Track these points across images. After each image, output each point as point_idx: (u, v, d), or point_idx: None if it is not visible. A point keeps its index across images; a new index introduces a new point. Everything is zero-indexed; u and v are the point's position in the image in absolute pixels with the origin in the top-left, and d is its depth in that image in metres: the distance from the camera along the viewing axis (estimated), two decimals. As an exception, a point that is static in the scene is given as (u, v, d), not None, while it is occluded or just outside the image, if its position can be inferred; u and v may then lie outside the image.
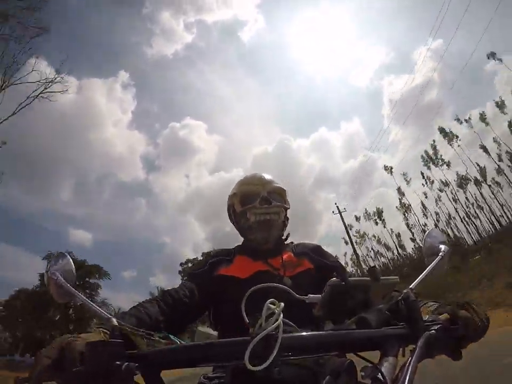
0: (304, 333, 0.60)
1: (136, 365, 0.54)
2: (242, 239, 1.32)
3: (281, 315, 0.56)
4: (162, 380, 0.60)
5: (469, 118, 35.48)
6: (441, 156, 37.12)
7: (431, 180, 38.46)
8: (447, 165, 36.60)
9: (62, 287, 0.78)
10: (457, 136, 35.62)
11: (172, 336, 0.65)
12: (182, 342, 0.66)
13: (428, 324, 0.64)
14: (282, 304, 0.58)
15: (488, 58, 31.53)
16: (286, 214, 1.31)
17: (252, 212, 1.21)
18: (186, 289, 1.08)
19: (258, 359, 0.51)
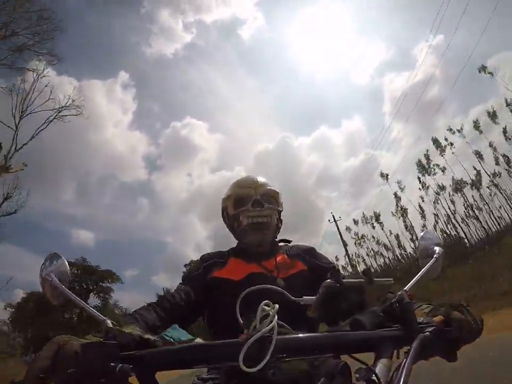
0: (298, 335, 0.60)
1: (131, 366, 0.54)
2: (236, 241, 1.32)
3: (276, 317, 0.56)
4: (157, 381, 0.60)
5: (461, 128, 35.92)
6: (433, 165, 37.55)
7: (426, 186, 38.76)
8: (442, 171, 36.98)
9: (57, 289, 0.77)
10: (451, 143, 35.93)
11: (166, 337, 0.65)
12: (177, 342, 0.66)
13: (422, 325, 0.64)
14: (276, 305, 0.58)
15: (479, 72, 31.87)
16: (279, 217, 1.31)
17: (244, 215, 1.22)
18: (182, 292, 1.09)
19: (252, 360, 0.51)
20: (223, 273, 1.15)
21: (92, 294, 26.24)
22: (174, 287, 1.18)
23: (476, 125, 33.97)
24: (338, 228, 26.26)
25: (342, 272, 0.75)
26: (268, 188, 1.28)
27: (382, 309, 0.64)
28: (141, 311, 0.96)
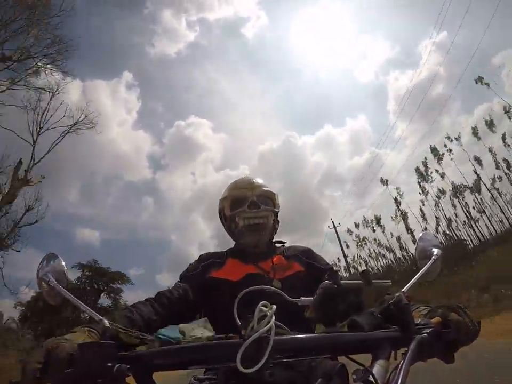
0: (296, 336, 0.60)
1: (128, 366, 0.54)
2: (234, 242, 1.32)
3: (273, 317, 0.56)
4: (154, 381, 0.60)
5: (459, 136, 36.29)
6: (431, 172, 37.94)
7: (426, 191, 39.06)
8: (441, 177, 37.28)
9: (54, 289, 0.77)
10: (450, 150, 36.23)
11: (164, 337, 0.65)
12: (175, 342, 0.66)
13: (420, 327, 0.64)
14: (274, 306, 0.58)
15: (476, 83, 32.17)
16: (276, 218, 1.31)
17: (240, 216, 1.23)
18: (180, 290, 1.10)
19: (250, 361, 0.51)
20: (221, 273, 1.15)
21: (103, 294, 27.41)
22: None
23: (475, 132, 34.22)
24: (337, 234, 26.88)
25: (340, 274, 0.75)
26: (264, 189, 1.28)
27: (380, 310, 0.64)
28: (138, 305, 0.96)
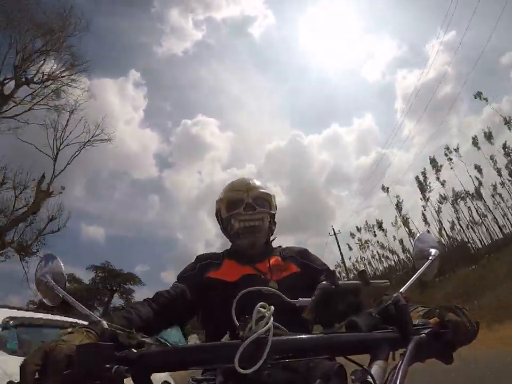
0: (294, 336, 0.60)
1: (126, 367, 0.54)
2: (230, 243, 1.32)
3: (272, 318, 0.56)
4: (152, 382, 0.60)
5: (457, 148, 36.74)
6: (429, 183, 38.54)
7: (427, 197, 39.46)
8: (442, 184, 37.72)
9: (53, 290, 0.77)
10: (450, 159, 36.64)
11: (162, 338, 0.65)
12: (173, 343, 0.66)
13: (418, 327, 0.64)
14: (272, 307, 0.58)
15: (475, 98, 32.61)
16: (273, 219, 1.32)
17: (236, 219, 1.23)
18: (178, 290, 1.10)
19: (248, 362, 0.51)
20: (218, 274, 1.16)
21: (116, 294, 29.38)
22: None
23: (475, 142, 34.55)
24: (337, 242, 27.70)
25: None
26: (261, 190, 1.28)
27: (378, 310, 0.64)
28: (137, 306, 0.97)
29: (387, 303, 0.64)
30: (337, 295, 0.65)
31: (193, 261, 1.26)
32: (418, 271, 0.81)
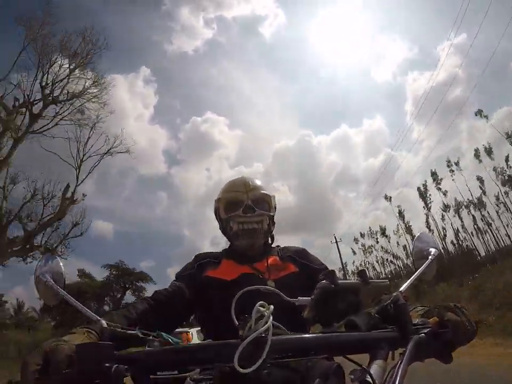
0: (293, 336, 0.60)
1: (126, 367, 0.54)
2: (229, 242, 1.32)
3: (271, 317, 0.56)
4: (152, 381, 0.60)
5: (458, 161, 37.24)
6: (430, 195, 39.05)
7: (429, 207, 39.99)
8: (444, 194, 38.25)
9: (52, 289, 0.77)
10: (452, 171, 37.13)
11: (164, 335, 0.65)
12: (175, 340, 0.66)
13: (417, 327, 0.64)
14: (271, 306, 0.58)
15: (476, 115, 32.97)
16: (272, 220, 1.31)
17: (235, 221, 1.22)
18: (176, 289, 1.10)
19: (247, 361, 0.51)
20: (216, 273, 1.15)
21: (128, 292, 31.56)
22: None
23: (476, 154, 34.91)
24: (338, 250, 29.16)
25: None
26: (260, 192, 1.26)
27: (377, 310, 0.64)
28: (136, 305, 0.97)
29: (386, 303, 0.64)
30: (336, 294, 0.65)
31: (192, 259, 1.26)
32: (418, 271, 0.81)
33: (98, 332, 0.70)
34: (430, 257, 0.86)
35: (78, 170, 17.55)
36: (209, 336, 1.10)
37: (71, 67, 17.27)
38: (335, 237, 29.91)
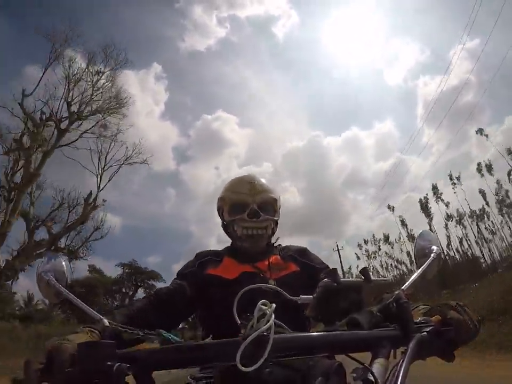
0: (295, 334, 0.60)
1: (128, 365, 0.54)
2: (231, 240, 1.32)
3: (273, 316, 0.56)
4: (154, 380, 0.60)
5: (459, 176, 37.77)
6: (430, 207, 39.79)
7: (431, 217, 40.43)
8: (446, 205, 38.71)
9: (54, 287, 0.77)
10: (454, 184, 37.59)
11: (165, 334, 0.65)
12: (176, 338, 0.66)
13: (419, 325, 0.63)
14: (273, 305, 0.58)
15: (477, 133, 33.41)
16: (276, 224, 1.30)
17: (239, 225, 1.20)
18: (178, 287, 1.10)
19: (249, 359, 0.51)
20: (217, 271, 1.15)
21: (140, 289, 33.53)
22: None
23: (479, 168, 35.20)
24: (340, 258, 29.95)
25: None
26: (266, 195, 1.23)
27: (379, 308, 0.64)
28: (137, 303, 0.98)
29: (388, 301, 0.64)
30: (338, 292, 0.65)
31: (193, 257, 1.26)
32: (420, 269, 0.81)
33: (100, 330, 0.70)
34: (432, 255, 0.85)
35: (99, 178, 19.62)
36: (209, 334, 1.10)
37: (95, 84, 19.36)
38: (337, 245, 30.95)
